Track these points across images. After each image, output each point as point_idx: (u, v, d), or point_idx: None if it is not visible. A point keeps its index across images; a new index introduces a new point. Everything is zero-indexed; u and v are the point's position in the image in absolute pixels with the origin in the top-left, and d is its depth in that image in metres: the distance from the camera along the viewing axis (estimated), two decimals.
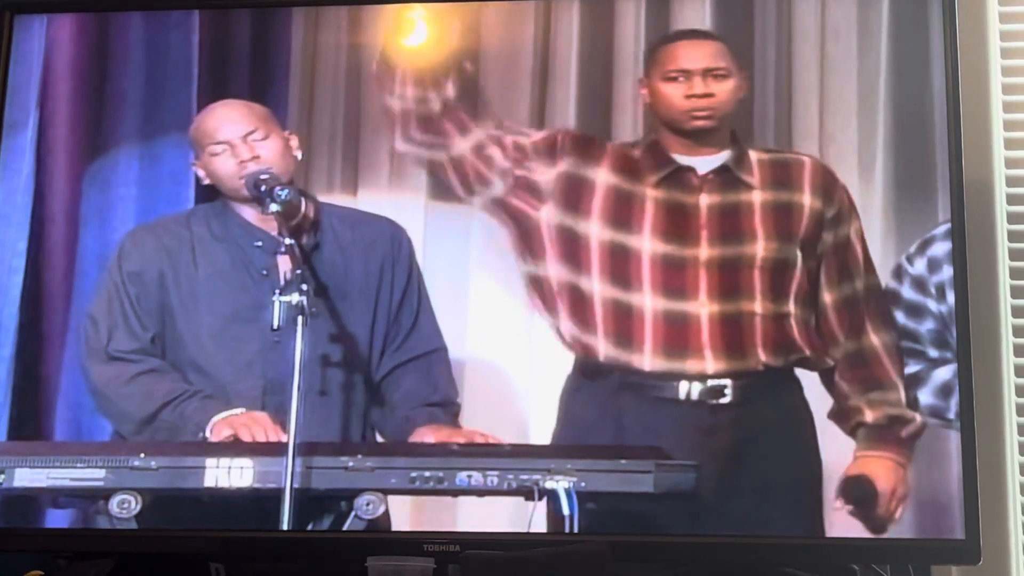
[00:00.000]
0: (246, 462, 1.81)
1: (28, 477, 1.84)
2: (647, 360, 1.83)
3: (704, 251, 1.85)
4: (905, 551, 1.76)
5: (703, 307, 1.83)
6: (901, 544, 1.75)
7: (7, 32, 2.00)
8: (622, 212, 1.87)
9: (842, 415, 1.81)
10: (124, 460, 1.82)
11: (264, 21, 2.00)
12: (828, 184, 1.87)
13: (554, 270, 1.87)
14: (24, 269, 1.95)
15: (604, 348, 1.84)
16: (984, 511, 1.75)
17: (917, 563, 1.83)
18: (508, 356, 1.88)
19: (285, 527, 1.78)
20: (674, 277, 1.84)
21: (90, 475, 1.82)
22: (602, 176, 1.88)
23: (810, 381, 1.82)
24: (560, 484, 1.78)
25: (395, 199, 1.94)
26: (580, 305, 1.86)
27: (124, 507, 1.81)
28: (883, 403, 1.80)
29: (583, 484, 1.78)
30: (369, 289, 1.90)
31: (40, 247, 1.95)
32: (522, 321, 1.88)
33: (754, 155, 1.88)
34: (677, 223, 1.86)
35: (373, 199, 1.94)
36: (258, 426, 1.85)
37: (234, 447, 1.83)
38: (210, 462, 1.82)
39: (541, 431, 1.84)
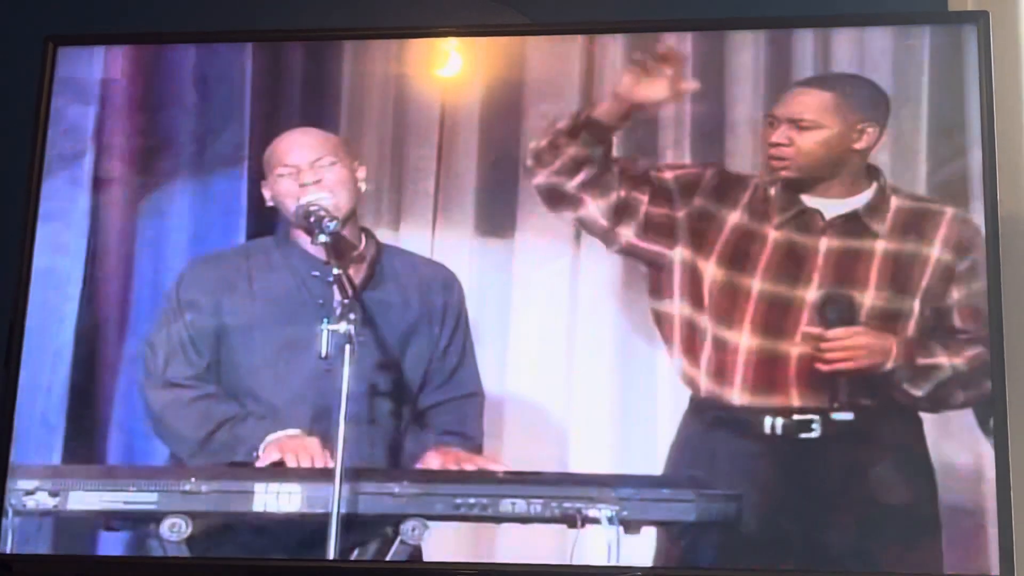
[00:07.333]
0: (294, 487, 1.85)
1: (82, 500, 1.88)
2: (736, 395, 1.86)
3: (811, 294, 1.87)
4: None
5: (795, 347, 1.86)
6: None
7: (50, 64, 2.04)
8: (740, 251, 1.89)
9: None
10: (175, 484, 1.87)
11: (316, 53, 2.05)
12: (966, 239, 1.86)
13: (675, 307, 1.90)
14: (80, 298, 2.00)
15: (705, 384, 1.88)
16: (1019, 546, 1.76)
17: None
18: (549, 392, 1.91)
19: (331, 554, 1.81)
20: (776, 317, 1.87)
21: (142, 499, 1.87)
22: (732, 216, 1.91)
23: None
24: (603, 512, 1.82)
25: (439, 234, 1.98)
26: (692, 342, 1.88)
27: (175, 530, 1.85)
28: None
29: (625, 513, 1.82)
30: (420, 327, 1.94)
31: (96, 276, 2.00)
32: (563, 357, 1.92)
33: (895, 202, 1.89)
34: (791, 264, 1.88)
35: (416, 235, 1.98)
36: (306, 451, 1.89)
37: (282, 473, 1.87)
38: (259, 487, 1.86)
39: (581, 466, 1.87)
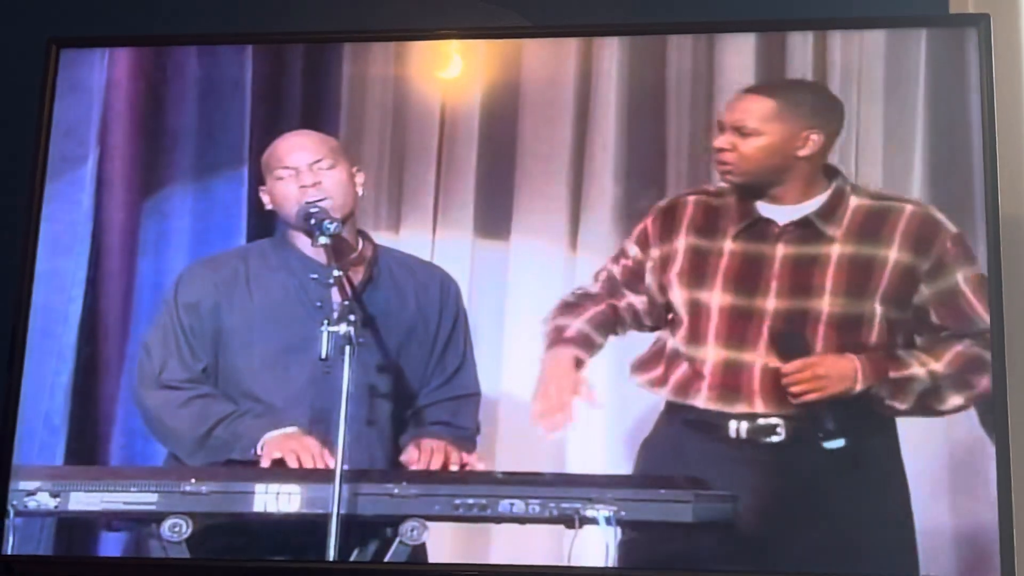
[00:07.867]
0: (294, 488, 1.86)
1: (83, 501, 1.89)
2: (702, 401, 1.86)
3: (770, 303, 1.86)
4: None
5: (760, 358, 1.85)
6: None
7: (53, 66, 2.05)
8: (699, 266, 1.89)
9: None
10: (176, 485, 1.88)
11: (315, 56, 2.06)
12: (926, 234, 1.85)
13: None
14: (83, 298, 2.01)
15: (676, 392, 1.88)
16: (1021, 556, 1.76)
17: None
18: None
19: (331, 555, 1.82)
20: (737, 328, 1.86)
21: (143, 499, 1.88)
22: (684, 240, 1.91)
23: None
24: (601, 513, 1.82)
25: (440, 236, 1.98)
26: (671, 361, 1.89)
27: (175, 531, 1.86)
28: None
29: (623, 514, 1.82)
30: (418, 329, 1.95)
31: (99, 277, 2.01)
32: None
33: (855, 201, 1.88)
34: (748, 275, 1.87)
35: (416, 237, 1.99)
36: (306, 452, 1.90)
37: (282, 473, 1.88)
38: (259, 487, 1.87)
39: (578, 467, 1.88)
